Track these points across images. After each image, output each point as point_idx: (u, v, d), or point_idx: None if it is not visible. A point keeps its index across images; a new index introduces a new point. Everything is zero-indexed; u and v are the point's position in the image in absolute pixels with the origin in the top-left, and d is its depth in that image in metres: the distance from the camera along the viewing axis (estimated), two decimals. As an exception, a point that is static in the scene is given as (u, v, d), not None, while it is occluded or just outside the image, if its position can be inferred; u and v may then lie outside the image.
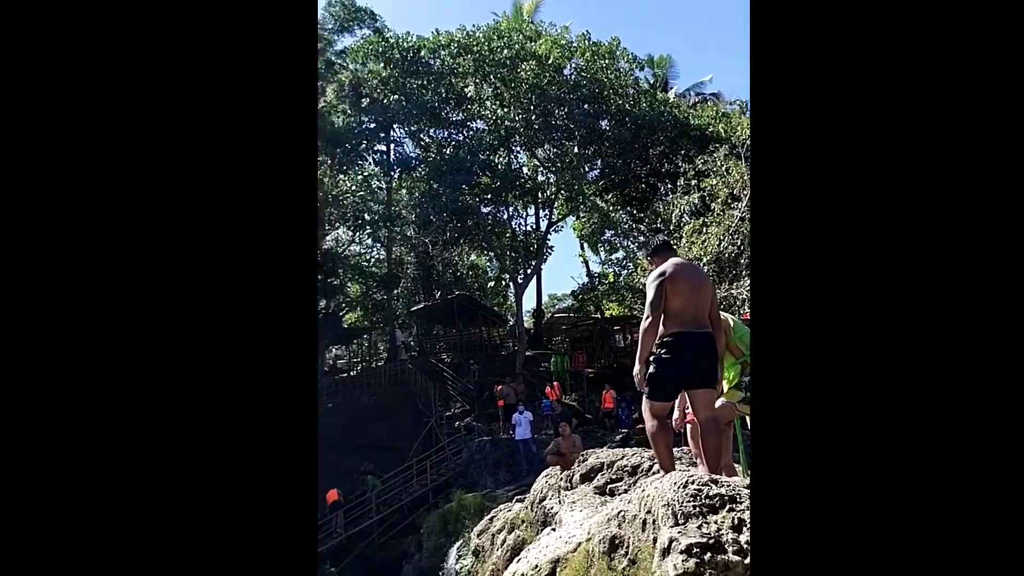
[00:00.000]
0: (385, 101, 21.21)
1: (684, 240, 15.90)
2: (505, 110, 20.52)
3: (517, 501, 8.24)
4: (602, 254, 27.45)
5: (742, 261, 16.08)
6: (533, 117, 20.13)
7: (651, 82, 25.63)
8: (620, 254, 25.93)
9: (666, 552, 2.43)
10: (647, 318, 3.72)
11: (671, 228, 17.46)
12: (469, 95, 21.10)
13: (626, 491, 4.72)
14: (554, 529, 5.25)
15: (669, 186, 20.08)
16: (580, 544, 4.09)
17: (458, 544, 9.88)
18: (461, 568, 8.76)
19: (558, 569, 4.14)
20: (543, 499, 6.36)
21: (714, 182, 16.25)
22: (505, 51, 20.00)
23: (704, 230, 15.95)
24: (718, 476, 3.07)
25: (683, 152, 20.37)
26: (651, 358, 3.76)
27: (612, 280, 26.15)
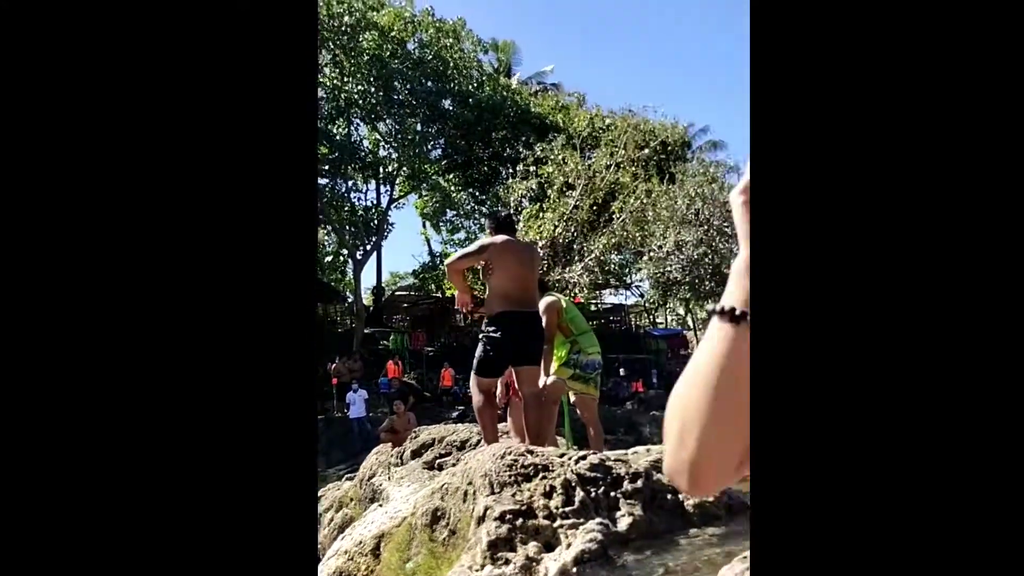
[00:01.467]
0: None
1: (522, 224, 16.42)
2: (345, 80, 19.76)
3: (347, 480, 8.10)
4: (444, 233, 27.55)
5: (575, 247, 16.95)
6: (373, 89, 19.58)
7: (495, 66, 25.93)
8: (462, 235, 26.15)
9: (481, 520, 2.54)
10: (454, 259, 4.01)
11: (511, 211, 18.04)
12: (307, 60, 20.02)
13: (453, 465, 4.82)
14: (381, 505, 5.24)
15: (510, 170, 20.54)
16: (405, 518, 4.13)
17: (285, 528, 9.53)
18: (287, 552, 8.47)
19: (382, 544, 4.15)
20: (372, 476, 6.32)
21: (551, 170, 16.90)
22: (346, 18, 19.19)
23: (540, 215, 16.59)
24: (534, 447, 3.24)
25: (523, 138, 20.89)
26: (480, 336, 3.91)
27: (453, 260, 26.26)
